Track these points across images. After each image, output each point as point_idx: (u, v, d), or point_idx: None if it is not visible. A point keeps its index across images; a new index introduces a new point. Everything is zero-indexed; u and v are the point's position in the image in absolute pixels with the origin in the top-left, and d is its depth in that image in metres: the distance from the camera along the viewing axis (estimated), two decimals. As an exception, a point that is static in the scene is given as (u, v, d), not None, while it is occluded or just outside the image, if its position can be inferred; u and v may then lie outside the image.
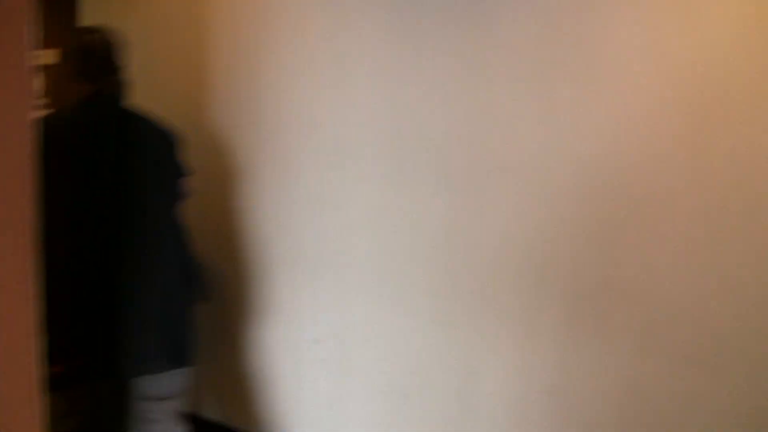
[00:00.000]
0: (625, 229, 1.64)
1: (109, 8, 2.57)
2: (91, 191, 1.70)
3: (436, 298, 1.94)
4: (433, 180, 1.90)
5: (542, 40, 1.69)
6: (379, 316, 2.05)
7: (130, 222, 1.72)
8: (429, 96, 1.88)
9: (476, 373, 1.90)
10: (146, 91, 2.40)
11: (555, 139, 1.70)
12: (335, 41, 2.04)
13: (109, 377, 1.78)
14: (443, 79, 1.85)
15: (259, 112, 2.25)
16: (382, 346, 2.06)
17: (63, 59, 1.77)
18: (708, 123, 1.51)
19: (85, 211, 1.70)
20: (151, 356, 1.74)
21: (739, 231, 1.50)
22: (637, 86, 1.58)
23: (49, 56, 1.82)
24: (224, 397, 2.49)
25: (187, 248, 1.90)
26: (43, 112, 1.81)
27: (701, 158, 1.52)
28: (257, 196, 2.29)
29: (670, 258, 1.59)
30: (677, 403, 1.61)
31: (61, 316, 1.58)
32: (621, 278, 1.66)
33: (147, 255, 1.76)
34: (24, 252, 0.71)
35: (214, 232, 2.41)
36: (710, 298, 1.55)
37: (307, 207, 2.17)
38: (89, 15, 2.61)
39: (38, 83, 1.81)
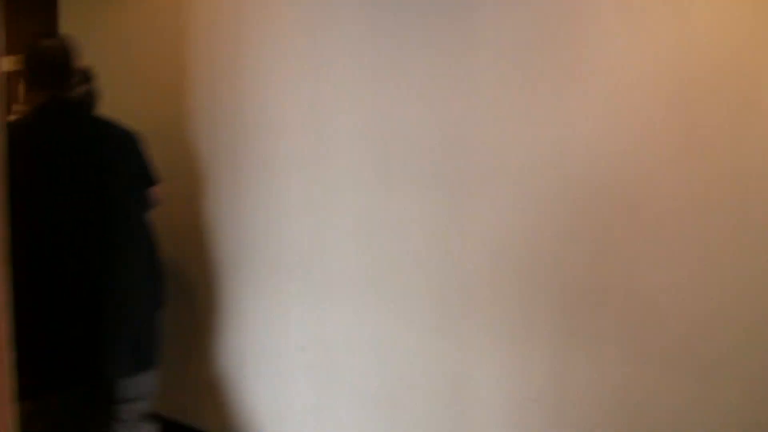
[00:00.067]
0: (614, 233, 1.62)
1: (86, 15, 2.56)
2: (50, 199, 1.70)
3: (424, 303, 1.93)
4: (420, 184, 1.89)
5: (529, 40, 1.68)
6: (366, 322, 2.04)
7: (95, 227, 1.74)
8: (414, 98, 1.87)
9: (465, 379, 1.88)
10: (121, 96, 2.39)
11: (542, 141, 1.69)
12: (316, 42, 2.03)
13: (87, 382, 1.79)
14: (428, 80, 1.84)
15: (240, 115, 2.25)
16: (369, 354, 2.05)
17: (22, 67, 1.77)
18: (697, 123, 1.49)
19: (45, 219, 1.71)
20: (128, 358, 1.79)
21: (730, 232, 1.48)
22: (625, 87, 1.56)
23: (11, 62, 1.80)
24: (207, 406, 2.49)
25: (154, 252, 1.95)
26: (11, 119, 1.79)
27: (692, 159, 1.50)
28: (240, 200, 2.30)
29: (660, 261, 1.56)
30: (669, 409, 1.58)
31: (32, 324, 1.62)
32: (610, 283, 1.63)
33: (116, 257, 1.79)
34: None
35: (195, 239, 2.42)
36: (702, 301, 1.52)
37: (291, 212, 2.17)
38: (66, 21, 2.60)
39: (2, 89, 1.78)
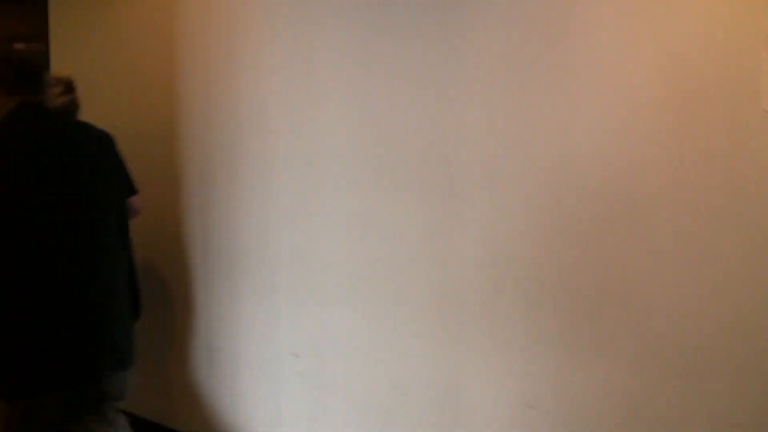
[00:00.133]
0: (610, 237, 1.60)
1: (77, 16, 2.54)
2: (33, 201, 1.70)
3: (418, 309, 1.91)
4: (413, 187, 1.88)
5: (522, 41, 1.67)
6: (360, 329, 2.03)
7: (80, 226, 1.75)
8: (407, 101, 1.87)
9: (459, 386, 1.86)
10: (112, 98, 2.37)
11: (536, 144, 1.67)
12: (309, 46, 2.03)
13: (82, 382, 1.79)
14: (421, 83, 1.83)
15: (233, 117, 2.24)
16: (363, 360, 2.03)
17: None
18: (691, 123, 1.48)
19: (29, 221, 1.70)
20: (111, 357, 1.82)
21: (728, 235, 1.46)
22: (618, 88, 1.55)
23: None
24: (198, 412, 2.47)
25: (131, 258, 1.98)
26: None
27: (688, 162, 1.49)
28: (231, 206, 2.28)
29: (658, 265, 1.54)
30: (667, 414, 1.56)
31: (22, 326, 1.65)
32: (607, 287, 1.62)
33: (103, 256, 1.80)
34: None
35: (186, 242, 2.40)
36: (701, 306, 1.50)
37: (283, 217, 2.16)
38: (56, 23, 2.59)
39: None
